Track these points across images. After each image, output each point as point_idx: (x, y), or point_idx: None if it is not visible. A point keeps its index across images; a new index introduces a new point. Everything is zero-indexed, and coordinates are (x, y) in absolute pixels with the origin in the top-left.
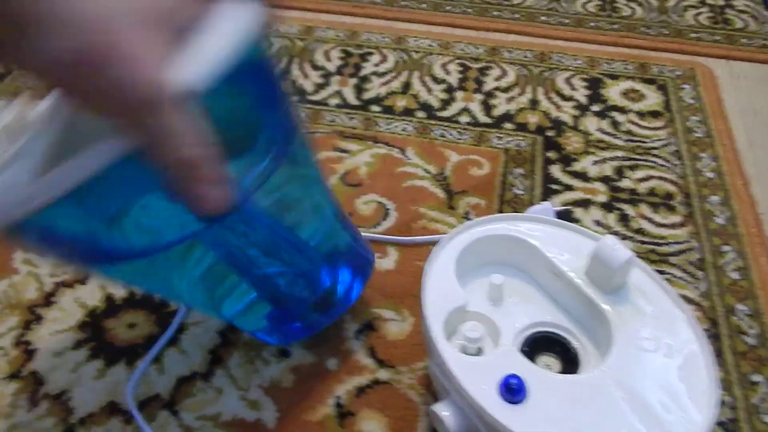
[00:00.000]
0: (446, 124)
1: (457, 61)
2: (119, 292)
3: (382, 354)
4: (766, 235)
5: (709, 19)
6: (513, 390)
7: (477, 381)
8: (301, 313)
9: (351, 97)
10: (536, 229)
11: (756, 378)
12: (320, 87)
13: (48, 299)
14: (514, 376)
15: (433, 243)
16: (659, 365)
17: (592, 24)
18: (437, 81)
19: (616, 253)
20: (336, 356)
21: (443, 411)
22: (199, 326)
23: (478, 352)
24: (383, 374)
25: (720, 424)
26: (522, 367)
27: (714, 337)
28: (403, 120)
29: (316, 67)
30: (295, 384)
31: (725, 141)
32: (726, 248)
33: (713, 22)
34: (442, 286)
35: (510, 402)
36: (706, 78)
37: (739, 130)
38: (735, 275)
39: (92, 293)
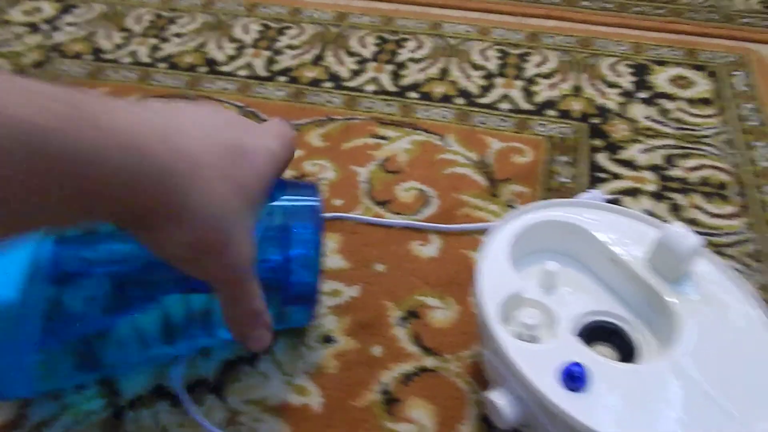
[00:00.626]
0: (486, 110)
1: (496, 47)
2: None
3: (428, 341)
4: None
5: (760, 4)
6: (575, 378)
7: (536, 368)
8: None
9: (388, 83)
10: (592, 215)
11: None
12: (356, 73)
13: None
14: (576, 363)
15: (477, 231)
16: (728, 358)
17: (636, 9)
18: (476, 67)
19: (685, 240)
20: (381, 343)
21: (500, 399)
22: None
23: (533, 339)
24: (429, 362)
25: None
26: (582, 355)
27: None
28: (442, 107)
29: (351, 54)
30: (340, 370)
31: None
32: None
33: (764, 7)
34: (496, 272)
35: (572, 390)
36: (760, 64)
37: None
38: None
39: None
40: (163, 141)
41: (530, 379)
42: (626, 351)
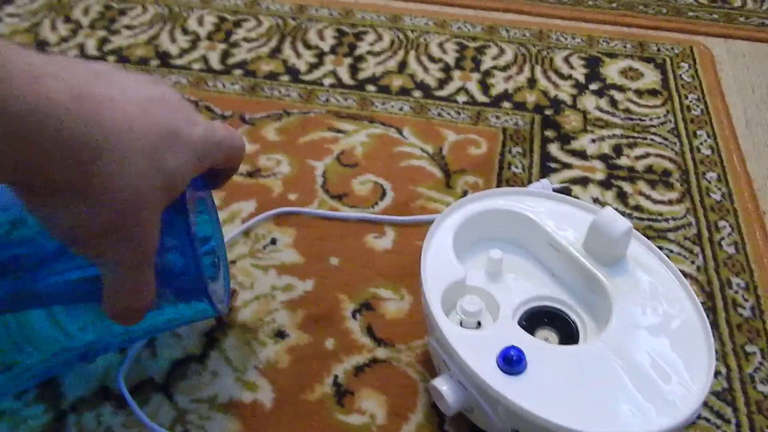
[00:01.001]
0: (444, 103)
1: (454, 40)
2: None
3: (381, 333)
4: (762, 211)
5: None
6: (512, 361)
7: (476, 354)
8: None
9: (346, 76)
10: (534, 203)
11: (751, 349)
12: (314, 66)
13: None
14: (513, 347)
15: (431, 222)
16: (657, 336)
17: (591, 3)
18: (434, 60)
19: (615, 224)
20: (334, 336)
21: (442, 385)
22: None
23: (477, 326)
24: (382, 353)
25: (715, 393)
26: (521, 339)
27: (710, 310)
28: (400, 99)
29: (309, 47)
30: (291, 364)
31: (723, 119)
32: (722, 224)
33: (711, 1)
34: (440, 261)
35: (509, 374)
36: (704, 56)
37: (737, 108)
38: (731, 250)
39: None
40: (80, 108)
41: (469, 364)
42: (567, 334)
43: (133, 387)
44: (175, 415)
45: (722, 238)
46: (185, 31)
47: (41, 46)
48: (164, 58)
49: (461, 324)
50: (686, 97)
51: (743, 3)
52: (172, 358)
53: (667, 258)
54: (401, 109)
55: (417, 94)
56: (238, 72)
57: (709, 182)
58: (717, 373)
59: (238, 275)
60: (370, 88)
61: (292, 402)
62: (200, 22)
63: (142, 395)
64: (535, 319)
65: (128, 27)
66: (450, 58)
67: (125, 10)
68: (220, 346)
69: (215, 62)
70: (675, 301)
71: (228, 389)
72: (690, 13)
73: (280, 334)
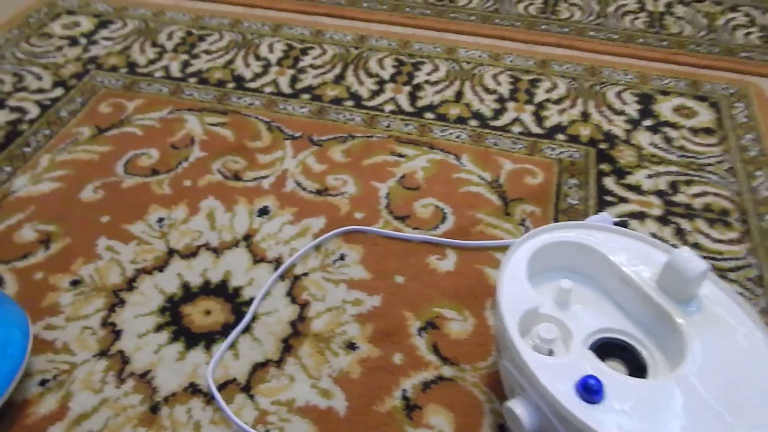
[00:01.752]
0: (499, 133)
1: (508, 72)
2: (195, 280)
3: (446, 351)
4: None
5: (760, 39)
6: (592, 390)
7: (554, 379)
8: None
9: (405, 104)
10: (604, 237)
11: None
12: (375, 93)
13: (130, 284)
14: (592, 376)
15: (492, 248)
16: (733, 375)
17: (641, 40)
18: (489, 91)
19: (691, 264)
20: (401, 351)
21: (518, 407)
22: (271, 316)
23: (549, 353)
24: (447, 371)
25: None
26: (596, 369)
27: None
28: (457, 127)
29: (370, 74)
30: (362, 375)
31: None
32: None
33: (764, 42)
34: (515, 287)
35: (588, 401)
36: (760, 97)
37: None
38: None
39: (170, 280)
40: None
41: (549, 389)
42: (635, 367)
43: (219, 386)
44: (257, 415)
45: None
46: (257, 57)
47: (132, 67)
48: (239, 81)
49: (534, 349)
50: (743, 137)
51: None
52: (253, 361)
53: (740, 297)
54: (458, 136)
55: (473, 123)
56: (305, 96)
57: None
58: None
59: (311, 287)
60: (429, 115)
61: (364, 412)
62: (271, 49)
63: (227, 393)
64: (605, 351)
65: (207, 52)
66: (504, 90)
67: (204, 36)
68: (296, 353)
69: (285, 86)
70: (750, 340)
71: (304, 394)
72: (742, 54)
73: (351, 346)
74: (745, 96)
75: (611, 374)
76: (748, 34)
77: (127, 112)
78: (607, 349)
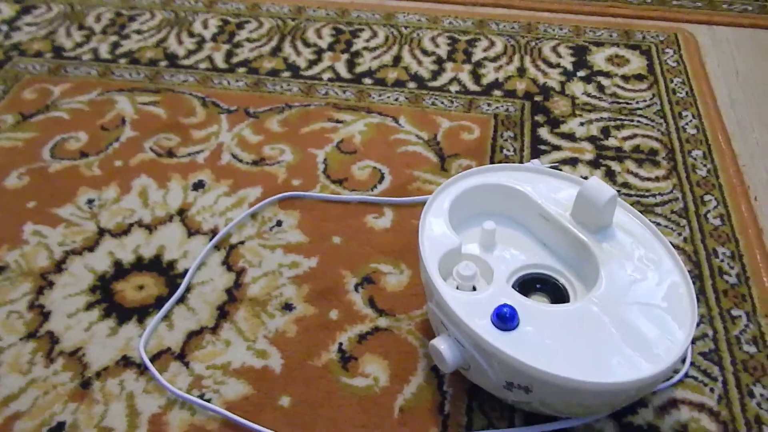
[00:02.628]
0: (437, 93)
1: (446, 34)
2: (127, 257)
3: (382, 304)
4: (746, 185)
5: None
6: (505, 318)
7: (472, 314)
8: None
9: (343, 71)
10: (524, 177)
11: (737, 312)
12: (313, 63)
13: (59, 266)
14: (505, 305)
15: (425, 202)
16: (643, 295)
17: None
18: (427, 54)
19: (601, 192)
20: (338, 308)
21: (441, 344)
22: (206, 285)
23: (473, 291)
24: (383, 322)
25: (703, 354)
26: (514, 300)
27: (697, 277)
28: (395, 91)
29: (308, 45)
30: (299, 334)
31: (708, 100)
32: (708, 198)
33: None
34: (436, 231)
35: (503, 330)
36: (689, 43)
37: (722, 91)
38: (716, 222)
39: (101, 259)
40: None
41: (466, 322)
42: (558, 298)
43: (153, 356)
44: (191, 380)
45: (708, 211)
46: (191, 34)
47: (58, 51)
48: (172, 60)
49: (458, 288)
50: (672, 81)
51: None
52: (187, 330)
53: (650, 223)
54: (397, 99)
55: (411, 85)
56: (242, 70)
57: (695, 159)
58: (704, 336)
59: (247, 254)
60: (367, 81)
61: (300, 367)
62: (205, 25)
63: (161, 363)
64: (528, 285)
65: (138, 32)
66: (442, 51)
67: (134, 17)
68: (232, 318)
69: (220, 61)
70: (659, 263)
71: (240, 357)
72: (674, 2)
73: (288, 307)
74: (675, 42)
75: (526, 303)
76: None
77: (53, 97)
78: (531, 284)
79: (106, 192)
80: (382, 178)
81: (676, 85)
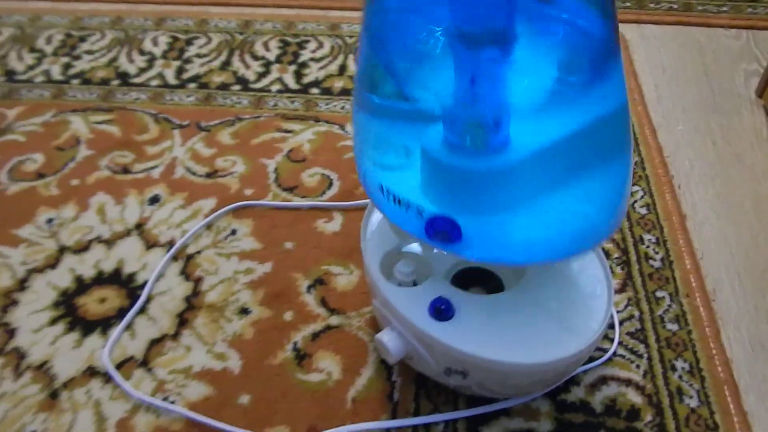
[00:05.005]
0: None
1: None
2: (88, 272)
3: (334, 303)
4: (671, 175)
5: None
6: (440, 309)
7: (411, 307)
8: None
9: (291, 82)
10: None
11: (661, 294)
12: (261, 75)
13: (22, 285)
14: (440, 298)
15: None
16: (567, 279)
17: None
18: None
19: None
20: (291, 309)
21: (384, 337)
22: (166, 295)
23: (414, 285)
24: (335, 320)
25: (630, 334)
26: (450, 293)
27: (624, 263)
28: (341, 99)
29: (256, 58)
30: (255, 336)
31: (635, 96)
32: (635, 188)
33: None
34: (378, 232)
35: (439, 320)
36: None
37: (649, 86)
38: (643, 210)
39: (63, 276)
40: None
41: (405, 315)
42: (495, 288)
43: (117, 365)
44: (155, 385)
45: (636, 201)
46: (142, 52)
47: (10, 75)
48: (124, 78)
49: (399, 285)
50: None
51: None
52: (149, 338)
53: None
54: (343, 107)
55: None
56: (192, 85)
57: None
58: (631, 317)
59: (204, 263)
60: (314, 91)
61: (258, 367)
62: (155, 42)
63: (125, 370)
64: (466, 279)
65: (89, 52)
66: None
67: (85, 37)
68: (191, 324)
69: (171, 78)
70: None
71: (201, 360)
72: None
73: (244, 311)
74: None
75: (462, 294)
76: None
77: (8, 120)
78: (470, 277)
79: (64, 211)
80: (330, 184)
81: None
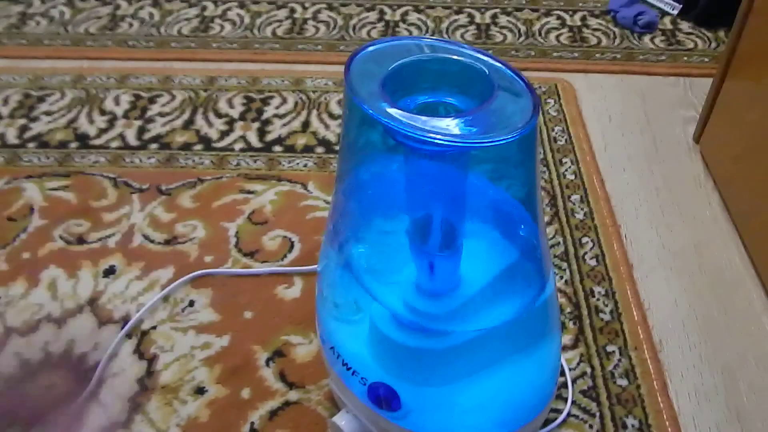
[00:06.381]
0: None
1: None
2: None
3: (292, 377)
4: (618, 224)
5: (568, 39)
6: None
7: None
8: None
9: (254, 140)
10: None
11: (611, 348)
12: (224, 134)
13: None
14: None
15: None
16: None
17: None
18: (334, 117)
19: None
20: (249, 385)
21: (341, 421)
22: (118, 377)
23: None
24: (293, 395)
25: (582, 392)
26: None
27: (577, 318)
28: (304, 156)
29: (219, 115)
30: (211, 418)
31: (584, 145)
32: (585, 240)
33: (572, 41)
34: None
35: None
36: (567, 91)
37: (596, 135)
38: (593, 262)
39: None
40: None
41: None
42: None
43: None
44: None
45: (585, 253)
46: (103, 112)
47: None
48: (83, 140)
49: None
50: (553, 129)
51: (599, 41)
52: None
53: None
54: (306, 165)
55: (320, 150)
56: (153, 146)
57: (574, 204)
58: (584, 374)
59: (159, 340)
60: (277, 148)
61: None
62: (117, 101)
63: None
64: None
65: (47, 113)
66: None
67: (44, 97)
68: (144, 409)
69: (132, 139)
70: None
71: None
72: (555, 54)
73: (200, 391)
74: (555, 92)
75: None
76: (559, 35)
77: None
78: None
79: (13, 288)
80: (292, 246)
81: (557, 133)
